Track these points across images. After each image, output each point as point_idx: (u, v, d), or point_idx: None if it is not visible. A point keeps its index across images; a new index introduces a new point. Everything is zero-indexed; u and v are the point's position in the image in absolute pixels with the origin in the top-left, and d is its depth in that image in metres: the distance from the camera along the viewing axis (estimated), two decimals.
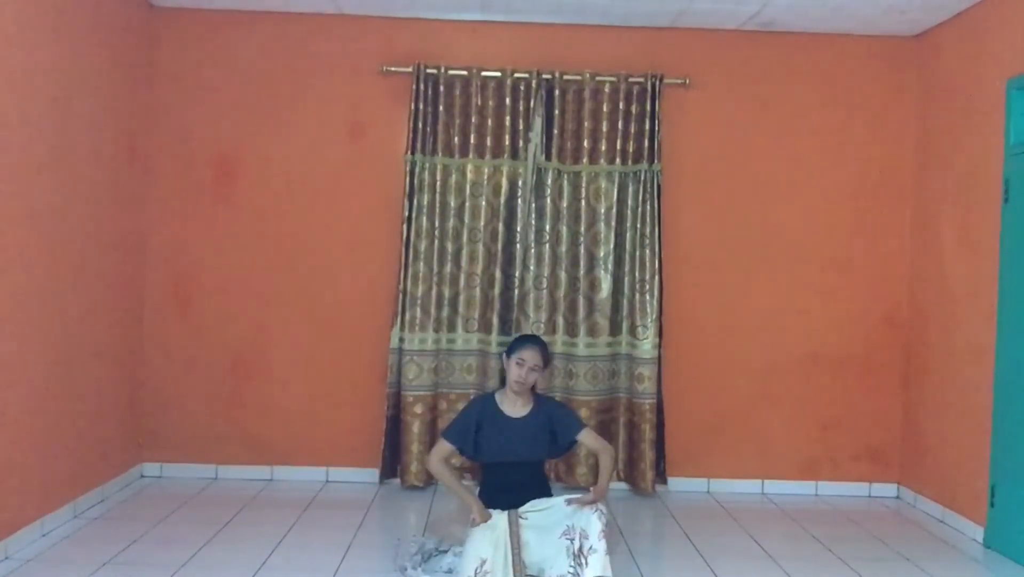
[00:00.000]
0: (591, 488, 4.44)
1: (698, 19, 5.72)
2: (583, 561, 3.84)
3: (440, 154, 5.78)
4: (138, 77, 5.66)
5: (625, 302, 5.81)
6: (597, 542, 3.84)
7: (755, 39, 5.94)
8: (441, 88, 5.77)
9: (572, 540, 3.89)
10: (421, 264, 5.76)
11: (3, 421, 4.27)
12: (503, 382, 4.32)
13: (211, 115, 5.86)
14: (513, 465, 4.21)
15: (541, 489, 4.25)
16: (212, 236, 5.87)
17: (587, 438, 4.32)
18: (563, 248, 5.79)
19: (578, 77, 5.80)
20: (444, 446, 4.25)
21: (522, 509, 4.10)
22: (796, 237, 5.98)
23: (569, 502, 4.02)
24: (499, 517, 4.08)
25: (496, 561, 3.96)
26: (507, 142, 5.79)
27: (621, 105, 5.79)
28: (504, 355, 4.35)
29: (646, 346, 5.75)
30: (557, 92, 5.79)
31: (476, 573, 3.91)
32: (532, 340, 4.38)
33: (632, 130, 5.82)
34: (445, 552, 4.45)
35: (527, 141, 5.80)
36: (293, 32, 5.86)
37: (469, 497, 4.17)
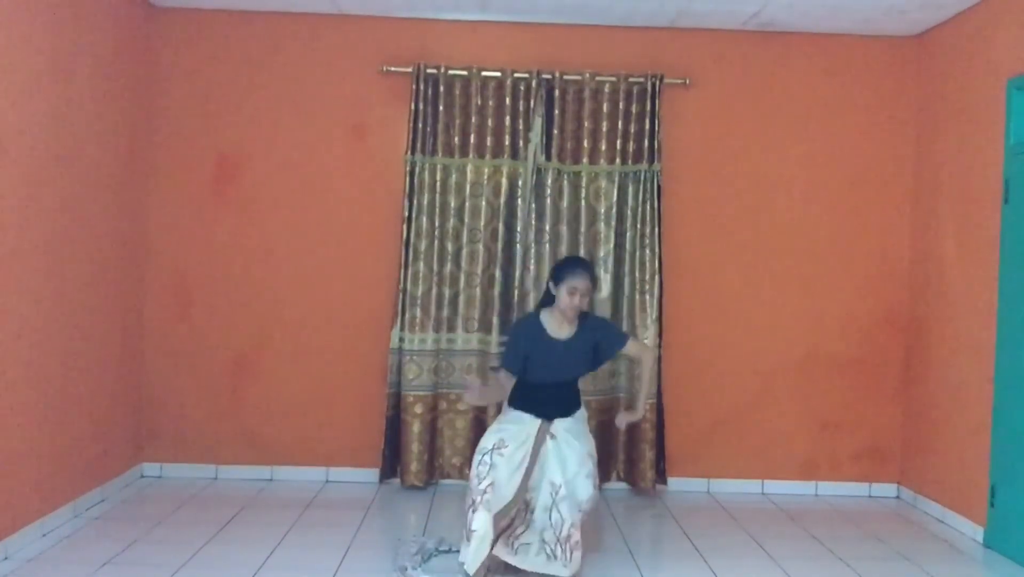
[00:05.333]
0: (634, 402, 4.78)
1: (698, 19, 5.72)
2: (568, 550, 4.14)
3: (440, 154, 5.78)
4: (138, 77, 5.66)
5: (625, 302, 5.81)
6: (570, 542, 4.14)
7: (755, 39, 5.94)
8: (441, 88, 5.77)
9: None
10: (421, 264, 5.76)
11: (3, 421, 4.28)
12: (543, 303, 4.41)
13: (211, 115, 5.86)
14: (552, 384, 4.31)
15: (573, 401, 4.36)
16: (212, 236, 5.87)
17: (631, 348, 4.48)
18: (563, 248, 5.79)
19: (578, 77, 5.80)
20: (509, 378, 4.35)
21: (554, 429, 4.24)
22: (796, 237, 5.98)
23: (619, 423, 4.59)
24: (531, 422, 4.24)
25: (516, 453, 4.14)
26: (507, 142, 5.79)
27: (621, 105, 5.79)
28: (551, 282, 4.37)
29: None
30: (557, 92, 5.79)
31: (494, 447, 4.14)
32: (581, 265, 4.41)
33: (632, 130, 5.82)
34: (445, 552, 4.46)
35: (527, 141, 5.80)
36: (293, 32, 5.86)
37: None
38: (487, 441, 4.23)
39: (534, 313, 4.49)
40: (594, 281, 4.37)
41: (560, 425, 4.27)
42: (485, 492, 4.09)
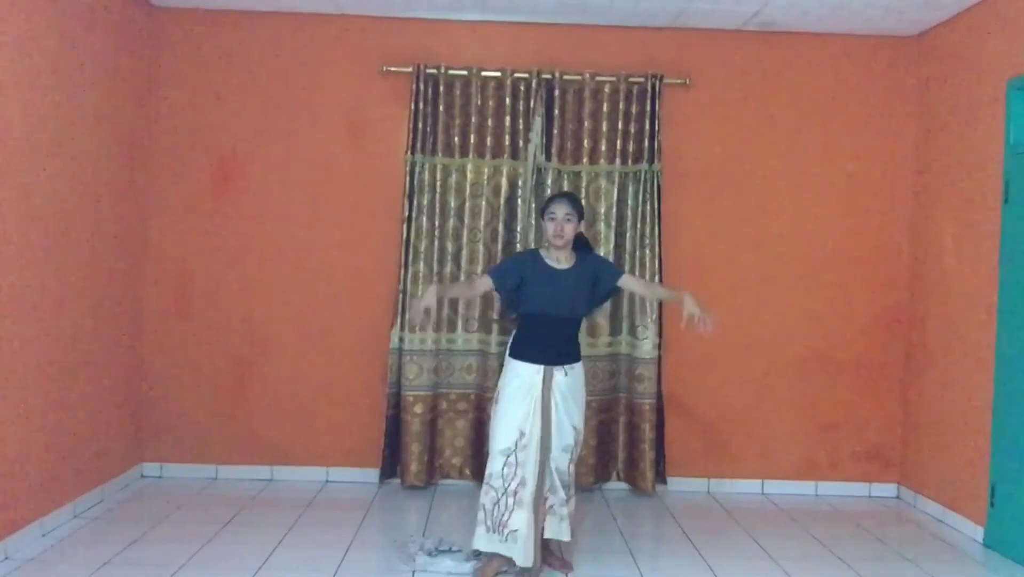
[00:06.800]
0: (681, 304, 4.39)
1: (698, 19, 5.72)
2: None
3: (440, 154, 5.78)
4: (138, 77, 5.66)
5: (625, 302, 5.81)
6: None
7: (755, 39, 5.94)
8: (441, 88, 5.77)
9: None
10: (421, 264, 5.76)
11: (3, 421, 4.28)
12: (546, 241, 4.40)
13: (211, 115, 5.86)
14: (553, 319, 4.24)
15: (573, 348, 4.32)
16: (212, 236, 5.87)
17: (627, 282, 4.43)
18: None
19: (578, 77, 5.80)
20: (487, 282, 4.33)
21: (556, 382, 4.20)
22: (796, 237, 5.99)
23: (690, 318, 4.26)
24: (534, 379, 4.19)
25: (532, 435, 4.14)
26: (507, 142, 5.79)
27: (621, 105, 5.79)
28: (540, 217, 4.48)
29: (646, 346, 5.75)
30: (557, 92, 5.79)
31: (516, 446, 4.13)
32: (560, 194, 4.56)
33: (632, 130, 5.82)
34: (445, 551, 4.46)
35: (527, 141, 5.80)
36: (293, 32, 5.86)
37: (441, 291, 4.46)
38: (506, 438, 4.16)
39: (535, 248, 4.57)
40: (578, 210, 4.30)
41: (558, 385, 4.21)
42: (516, 492, 4.13)
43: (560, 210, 4.25)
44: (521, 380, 4.21)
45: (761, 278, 5.99)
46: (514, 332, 4.38)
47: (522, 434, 4.15)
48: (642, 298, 5.69)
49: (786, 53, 5.96)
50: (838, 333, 5.99)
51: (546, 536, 4.27)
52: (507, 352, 4.35)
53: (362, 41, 5.88)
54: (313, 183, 5.90)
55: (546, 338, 4.23)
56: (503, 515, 4.15)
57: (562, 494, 4.26)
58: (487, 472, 4.23)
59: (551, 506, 4.25)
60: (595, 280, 4.33)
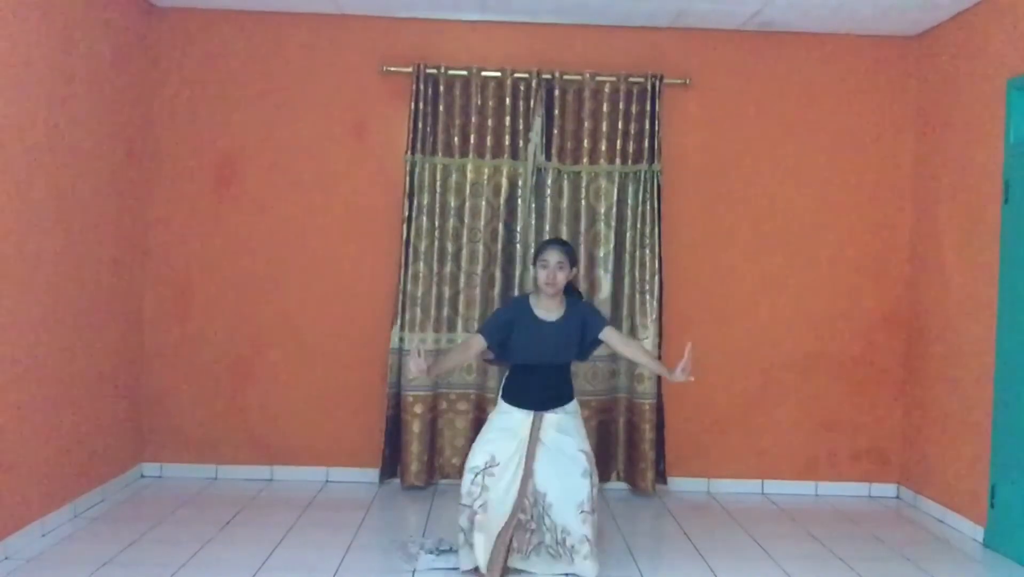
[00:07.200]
0: (660, 370, 4.52)
1: (698, 19, 5.72)
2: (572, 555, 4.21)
3: (440, 154, 5.78)
4: (138, 77, 5.66)
5: (625, 302, 5.82)
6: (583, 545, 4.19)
7: (755, 39, 5.94)
8: (441, 88, 5.77)
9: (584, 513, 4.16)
10: (421, 264, 5.76)
11: (3, 421, 4.28)
12: (536, 287, 4.36)
13: (211, 115, 5.86)
14: (541, 367, 4.27)
15: (565, 391, 4.33)
16: (212, 236, 5.87)
17: (608, 335, 4.35)
18: None
19: (578, 77, 5.80)
20: (480, 341, 4.31)
21: (544, 430, 4.20)
22: (796, 236, 5.99)
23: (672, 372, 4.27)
24: (523, 422, 4.20)
25: (508, 467, 4.13)
26: (507, 142, 5.79)
27: (621, 105, 5.79)
28: (532, 264, 4.46)
29: (646, 346, 5.74)
30: (557, 92, 5.79)
31: (485, 466, 4.13)
32: (553, 241, 4.50)
33: (632, 130, 5.82)
34: (446, 551, 4.46)
35: (527, 141, 5.80)
36: (293, 32, 5.86)
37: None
38: (477, 457, 4.20)
39: (525, 295, 4.53)
40: (571, 257, 4.31)
41: (550, 424, 4.23)
42: (477, 513, 4.13)
43: (552, 257, 4.24)
44: (509, 421, 4.26)
45: (761, 277, 5.99)
46: (506, 375, 4.40)
47: (494, 459, 4.16)
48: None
49: (786, 53, 5.96)
50: (838, 333, 5.99)
51: (576, 571, 4.22)
52: (499, 393, 4.39)
53: (362, 41, 5.88)
54: (313, 183, 5.90)
55: (536, 385, 4.27)
56: (464, 527, 4.20)
57: (559, 534, 4.20)
58: (461, 491, 4.23)
59: (547, 545, 4.25)
60: (583, 329, 4.33)
